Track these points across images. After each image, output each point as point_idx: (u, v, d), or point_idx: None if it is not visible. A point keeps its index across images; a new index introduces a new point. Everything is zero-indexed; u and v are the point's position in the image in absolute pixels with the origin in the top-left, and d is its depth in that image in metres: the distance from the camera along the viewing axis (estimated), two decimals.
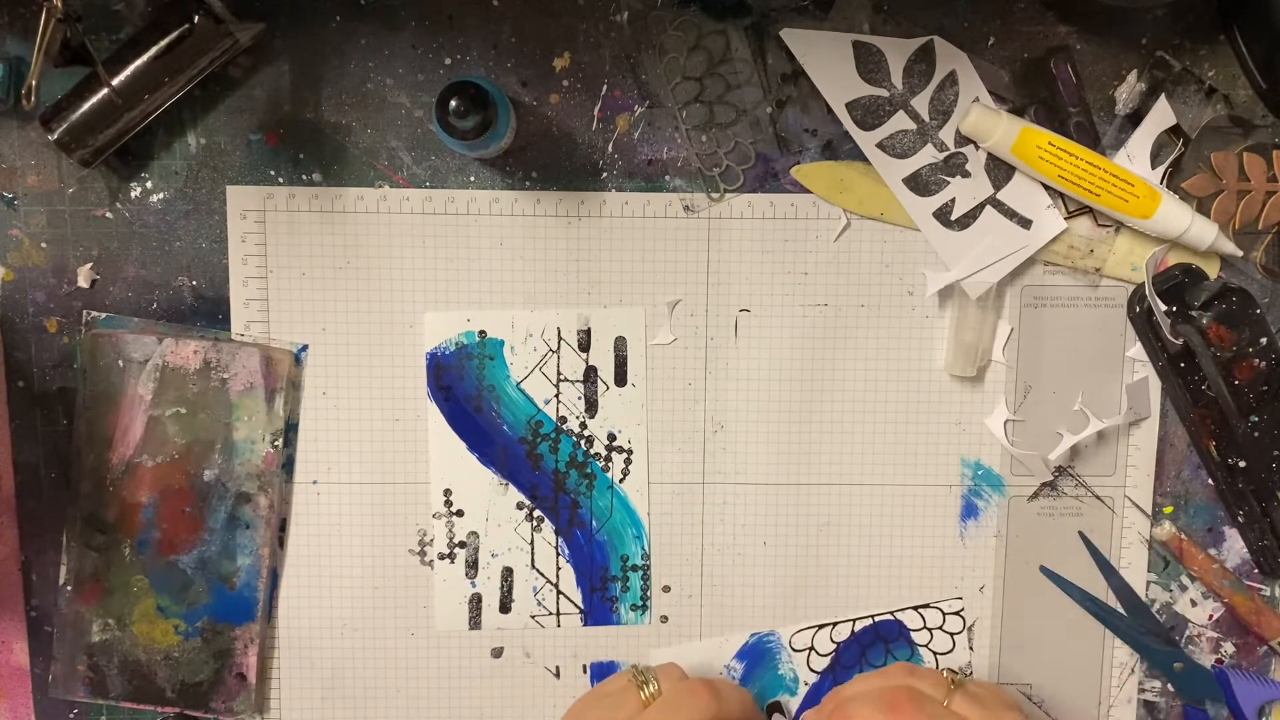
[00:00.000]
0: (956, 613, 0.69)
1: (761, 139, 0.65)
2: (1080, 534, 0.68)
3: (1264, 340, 0.63)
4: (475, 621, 0.68)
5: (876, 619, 0.69)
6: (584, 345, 0.66)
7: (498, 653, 0.69)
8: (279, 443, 0.66)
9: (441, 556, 0.68)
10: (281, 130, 0.64)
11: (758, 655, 0.69)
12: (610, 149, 0.65)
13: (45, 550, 0.67)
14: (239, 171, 0.64)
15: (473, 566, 0.68)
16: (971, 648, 0.69)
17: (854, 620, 0.69)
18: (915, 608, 0.69)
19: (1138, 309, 0.66)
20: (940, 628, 0.69)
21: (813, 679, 0.69)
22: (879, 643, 0.69)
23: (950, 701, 0.58)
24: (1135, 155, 0.64)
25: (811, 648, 0.69)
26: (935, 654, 0.69)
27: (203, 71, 0.61)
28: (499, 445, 0.67)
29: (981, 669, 0.69)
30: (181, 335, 0.65)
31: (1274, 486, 0.66)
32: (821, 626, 0.69)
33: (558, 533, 0.68)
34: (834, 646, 0.69)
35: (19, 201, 0.64)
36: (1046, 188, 0.65)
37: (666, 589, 0.69)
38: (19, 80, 0.63)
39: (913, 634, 0.69)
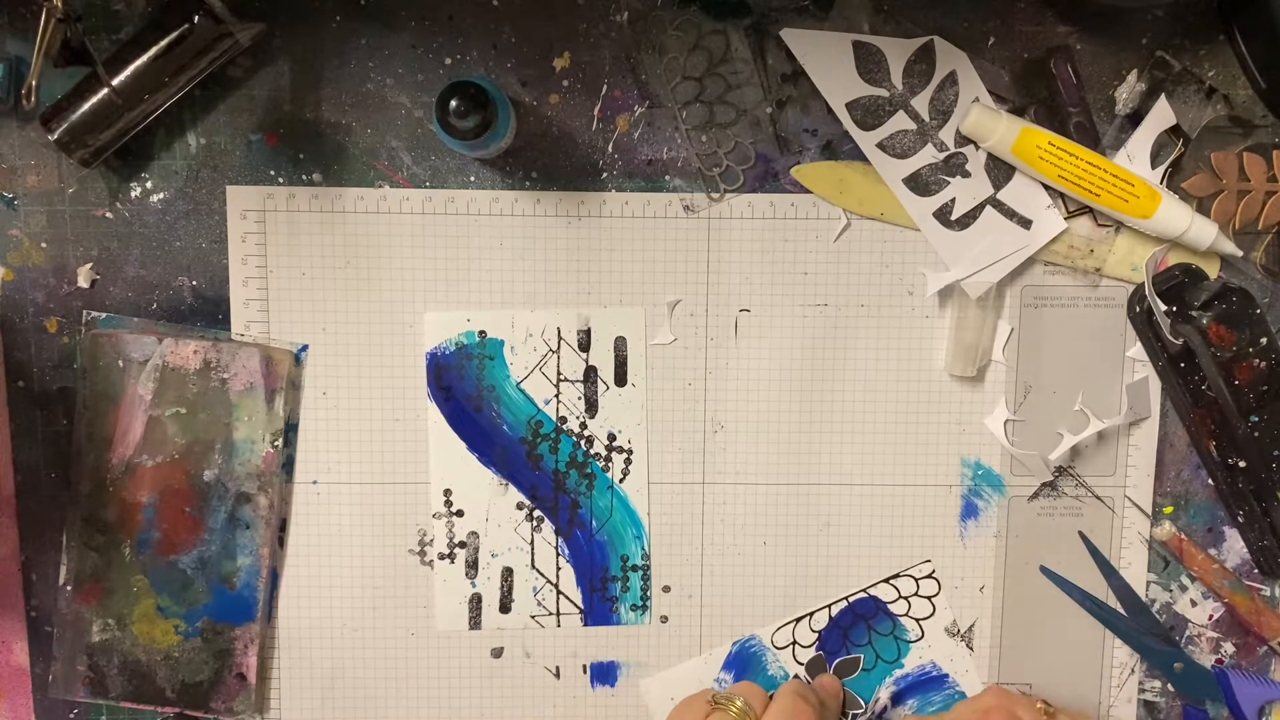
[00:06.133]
0: (929, 575, 0.69)
1: (761, 139, 0.65)
2: (1080, 534, 0.68)
3: (1264, 340, 0.63)
4: (475, 621, 0.68)
5: (851, 599, 0.69)
6: (584, 345, 0.66)
7: (498, 653, 0.69)
8: (279, 443, 0.66)
9: (441, 556, 0.68)
10: (281, 130, 0.64)
11: (744, 662, 0.69)
12: (610, 149, 0.65)
13: (45, 550, 0.67)
14: (239, 171, 0.64)
15: (473, 566, 0.68)
16: (971, 648, 0.69)
17: (829, 605, 0.69)
18: (886, 580, 0.69)
19: (1138, 309, 0.66)
20: (915, 594, 0.69)
21: (803, 671, 0.69)
22: (859, 622, 0.69)
23: None
24: (1135, 155, 0.64)
25: (794, 641, 0.69)
26: (917, 620, 0.69)
27: (203, 71, 0.61)
28: (499, 445, 0.67)
29: (982, 669, 0.69)
30: (181, 335, 0.65)
31: (1274, 486, 0.66)
32: (799, 619, 0.69)
33: (558, 533, 0.68)
34: (815, 635, 0.69)
35: (19, 201, 0.64)
36: (1046, 188, 0.65)
37: (666, 589, 0.69)
38: (19, 80, 0.63)
39: (889, 606, 0.69)
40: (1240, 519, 0.67)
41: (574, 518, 0.68)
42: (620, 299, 0.66)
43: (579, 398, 0.67)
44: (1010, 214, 0.65)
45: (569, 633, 0.69)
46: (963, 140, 0.64)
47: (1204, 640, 0.69)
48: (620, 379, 0.67)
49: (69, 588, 0.66)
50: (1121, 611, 0.69)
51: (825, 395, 0.67)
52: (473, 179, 0.65)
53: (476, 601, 0.68)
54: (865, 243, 0.66)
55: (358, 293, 0.66)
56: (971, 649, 0.69)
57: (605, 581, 0.68)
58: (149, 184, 0.64)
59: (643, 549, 0.68)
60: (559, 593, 0.68)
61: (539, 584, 0.68)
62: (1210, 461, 0.67)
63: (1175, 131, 0.64)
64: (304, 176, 0.65)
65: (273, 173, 0.65)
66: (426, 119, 0.64)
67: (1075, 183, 0.63)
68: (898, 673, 0.69)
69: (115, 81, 0.60)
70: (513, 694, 0.69)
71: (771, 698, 0.64)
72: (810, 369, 0.67)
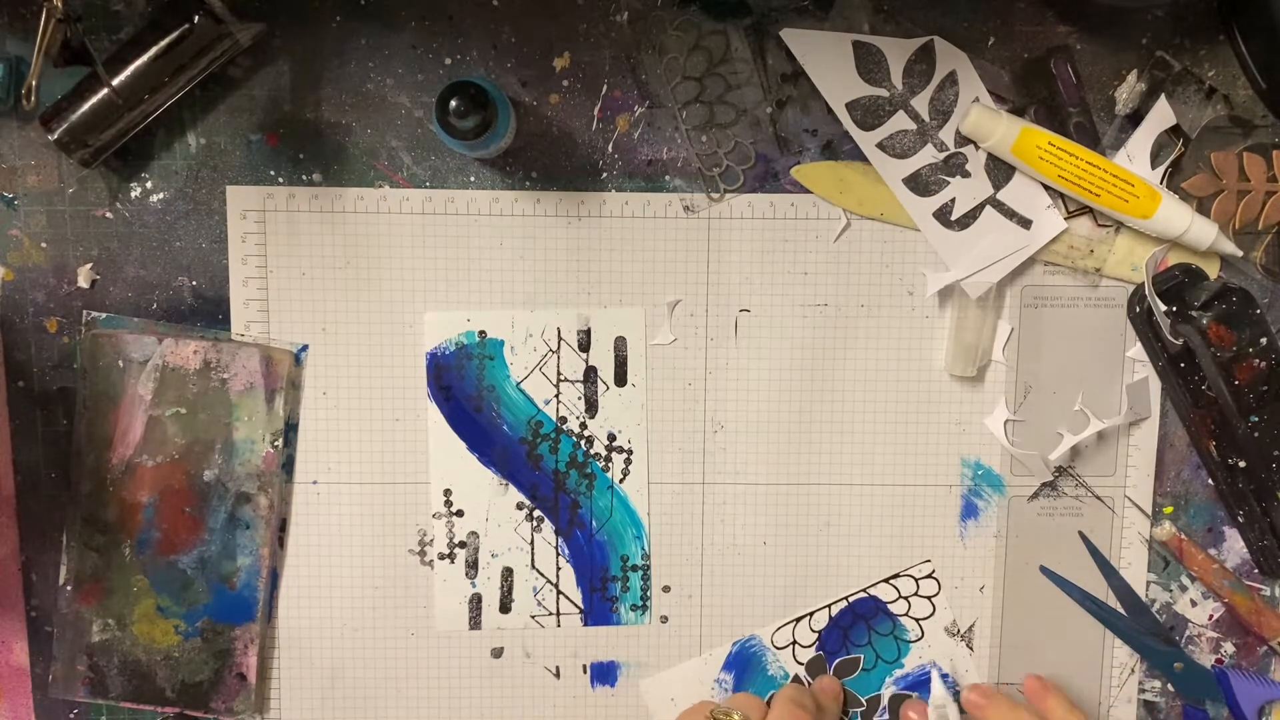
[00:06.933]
0: (929, 575, 0.69)
1: (761, 139, 0.65)
2: (1080, 534, 0.68)
3: (1264, 340, 0.63)
4: (475, 621, 0.68)
5: (851, 599, 0.69)
6: (584, 345, 0.66)
7: (498, 653, 0.69)
8: (279, 443, 0.66)
9: (441, 556, 0.68)
10: (281, 130, 0.64)
11: (744, 662, 0.69)
12: (610, 149, 0.65)
13: (45, 550, 0.67)
14: (239, 171, 0.64)
15: (473, 566, 0.68)
16: (971, 648, 0.69)
17: (829, 605, 0.69)
18: (886, 580, 0.69)
19: (1138, 309, 0.66)
20: (915, 594, 0.69)
21: (804, 671, 0.69)
22: (859, 622, 0.69)
23: None
24: (1135, 155, 0.64)
25: (794, 641, 0.69)
26: (917, 620, 0.69)
27: (203, 71, 0.61)
28: (499, 445, 0.67)
29: (982, 669, 0.69)
30: (181, 335, 0.65)
31: (1274, 486, 0.66)
32: (799, 619, 0.69)
33: (558, 533, 0.68)
34: (815, 635, 0.69)
35: (19, 201, 0.64)
36: (1046, 188, 0.65)
37: (666, 589, 0.69)
38: (19, 80, 0.63)
39: (889, 605, 0.69)
40: (1240, 519, 0.67)
41: (574, 518, 0.68)
42: (620, 299, 0.66)
43: (579, 398, 0.67)
44: (1010, 214, 0.65)
45: (569, 633, 0.69)
46: (963, 140, 0.64)
47: (1204, 640, 0.69)
48: (620, 379, 0.67)
49: (69, 588, 0.66)
50: (1121, 611, 0.69)
51: (825, 395, 0.67)
52: (473, 179, 0.65)
53: (476, 601, 0.68)
54: (865, 243, 0.66)
55: (358, 293, 0.66)
56: (971, 649, 0.69)
57: (605, 581, 0.68)
58: (149, 184, 0.64)
59: (643, 549, 0.68)
60: (559, 593, 0.68)
61: (539, 584, 0.68)
62: (1210, 461, 0.67)
63: (1175, 131, 0.64)
64: (304, 176, 0.65)
65: (273, 173, 0.65)
66: (426, 119, 0.64)
67: (1075, 183, 0.63)
68: (898, 672, 0.69)
69: (115, 81, 0.60)
70: (513, 694, 0.69)
71: (769, 704, 0.64)
72: (810, 369, 0.67)
